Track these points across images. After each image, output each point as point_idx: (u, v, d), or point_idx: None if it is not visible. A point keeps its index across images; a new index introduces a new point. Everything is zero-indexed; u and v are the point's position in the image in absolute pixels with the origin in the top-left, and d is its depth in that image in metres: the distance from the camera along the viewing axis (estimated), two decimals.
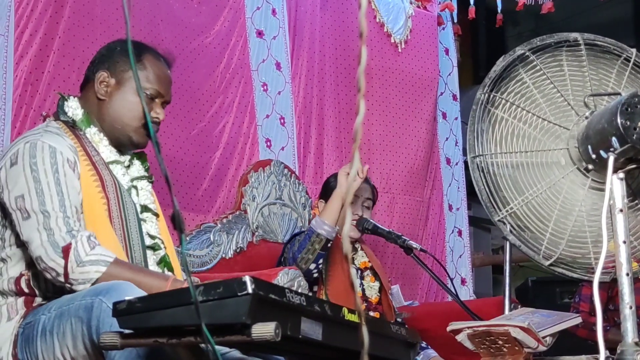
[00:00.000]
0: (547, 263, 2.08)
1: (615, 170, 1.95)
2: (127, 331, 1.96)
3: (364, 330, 0.88)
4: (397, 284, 4.93)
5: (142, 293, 2.18)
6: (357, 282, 3.98)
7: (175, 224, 1.18)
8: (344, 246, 0.93)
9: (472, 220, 5.99)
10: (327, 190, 4.04)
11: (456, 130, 5.74)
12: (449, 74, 5.73)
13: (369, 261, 4.09)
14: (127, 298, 1.94)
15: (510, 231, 2.07)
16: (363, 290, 3.98)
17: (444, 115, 5.67)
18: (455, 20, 5.71)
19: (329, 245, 3.74)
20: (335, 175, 4.07)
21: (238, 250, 4.08)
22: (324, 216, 3.73)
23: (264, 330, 1.87)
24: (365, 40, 0.90)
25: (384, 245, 5.02)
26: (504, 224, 2.08)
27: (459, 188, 5.67)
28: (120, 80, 2.70)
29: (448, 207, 5.57)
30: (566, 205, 2.08)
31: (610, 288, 4.46)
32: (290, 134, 4.73)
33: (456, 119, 5.75)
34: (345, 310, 2.17)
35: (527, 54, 2.12)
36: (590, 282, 4.45)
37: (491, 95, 2.09)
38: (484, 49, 9.89)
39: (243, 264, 4.01)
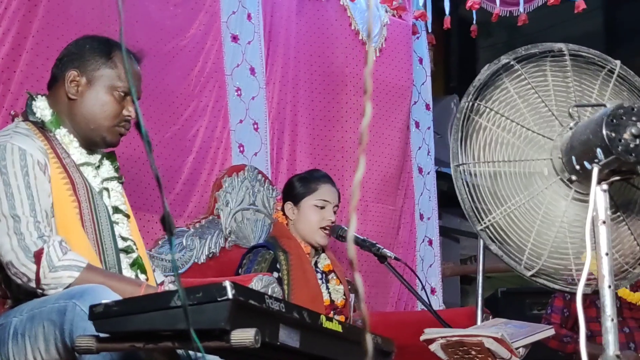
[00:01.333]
0: (528, 274, 2.07)
1: (599, 182, 1.94)
2: (102, 335, 1.93)
3: (369, 339, 0.86)
4: (370, 292, 4.93)
5: (117, 297, 2.15)
6: (323, 288, 3.97)
7: (165, 225, 1.15)
8: (349, 252, 0.91)
9: (441, 230, 5.99)
10: (290, 192, 4.02)
11: (429, 140, 5.74)
12: (423, 83, 5.73)
13: (332, 264, 4.07)
14: (103, 301, 1.91)
15: (492, 241, 2.05)
16: (329, 294, 3.96)
17: (417, 125, 5.67)
18: (430, 30, 5.72)
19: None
20: (299, 177, 4.06)
21: (210, 256, 4.05)
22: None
23: (243, 336, 1.84)
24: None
25: (358, 253, 5.00)
26: (486, 233, 2.06)
27: (430, 197, 5.67)
28: (91, 79, 2.66)
29: (419, 216, 5.57)
30: (548, 216, 2.07)
31: (583, 300, 4.48)
32: (263, 140, 4.70)
33: (429, 128, 5.75)
34: (323, 317, 2.15)
35: (511, 62, 2.12)
36: (562, 294, 4.49)
37: (475, 104, 2.08)
38: (455, 59, 9.94)
39: (215, 269, 3.98)
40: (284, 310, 1.99)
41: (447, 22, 5.31)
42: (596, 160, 1.93)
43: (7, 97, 3.59)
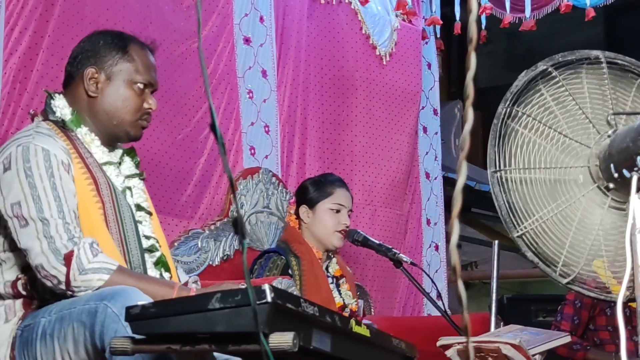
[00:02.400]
0: (564, 281, 2.06)
1: (638, 190, 1.94)
2: (138, 336, 1.92)
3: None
4: (376, 297, 4.93)
5: (147, 299, 2.13)
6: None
7: (237, 229, 1.14)
8: (452, 257, 0.90)
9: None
10: (304, 195, 4.01)
11: (436, 145, 5.75)
12: (431, 89, 5.74)
13: (341, 269, 4.07)
14: (140, 303, 1.90)
15: (528, 248, 2.05)
16: (342, 298, 3.96)
17: (425, 130, 5.68)
18: (439, 35, 5.72)
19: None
20: (313, 181, 4.05)
21: (225, 258, 4.04)
22: None
23: (281, 340, 1.83)
24: (474, 45, 0.87)
25: (365, 258, 5.01)
26: (522, 240, 2.06)
27: (437, 203, 5.68)
28: (110, 75, 2.64)
29: (426, 221, 5.57)
30: (584, 224, 2.07)
31: (592, 308, 4.49)
32: (274, 143, 4.70)
33: (436, 133, 5.76)
34: (353, 322, 2.14)
35: (549, 69, 2.11)
36: (572, 302, 4.50)
37: (512, 110, 2.07)
38: (455, 65, 9.94)
39: (229, 272, 3.97)
40: (317, 314, 1.98)
41: (457, 28, 5.33)
42: (636, 169, 1.93)
43: (24, 96, 3.58)
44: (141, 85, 2.66)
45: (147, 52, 2.72)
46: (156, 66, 2.75)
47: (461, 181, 0.88)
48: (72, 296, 2.33)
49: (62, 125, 2.60)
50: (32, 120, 2.67)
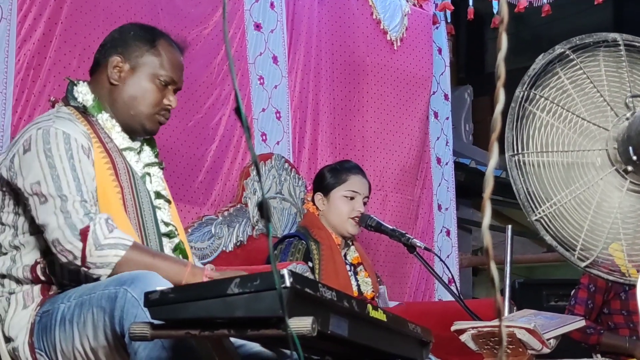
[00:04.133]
0: (583, 265, 2.06)
1: None
2: (157, 322, 1.92)
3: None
4: (387, 282, 4.92)
5: (167, 283, 2.14)
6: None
7: (262, 212, 1.14)
8: (485, 239, 0.90)
9: None
10: (321, 182, 4.02)
11: (447, 130, 5.74)
12: (442, 74, 5.73)
13: (360, 257, 4.07)
14: (159, 288, 1.90)
15: (547, 231, 2.05)
16: (358, 286, 3.96)
17: (436, 115, 5.67)
18: (449, 20, 5.71)
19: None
20: (329, 168, 4.06)
21: (238, 244, 4.04)
22: None
23: (300, 324, 1.83)
24: (505, 26, 0.87)
25: (376, 243, 5.01)
26: (540, 223, 2.06)
27: (448, 188, 5.67)
28: (135, 66, 2.66)
29: (437, 206, 5.56)
30: (602, 207, 2.07)
31: (606, 292, 4.48)
32: (285, 129, 4.69)
33: (447, 118, 5.76)
34: (370, 307, 2.14)
35: (566, 52, 2.11)
36: (586, 286, 4.49)
37: (530, 93, 2.07)
38: (463, 50, 9.93)
39: (243, 258, 3.97)
40: (335, 299, 1.98)
41: (470, 13, 5.30)
42: None
43: (37, 82, 3.59)
44: (163, 81, 2.67)
45: (175, 50, 2.74)
46: (183, 66, 2.76)
47: (493, 163, 0.88)
48: (86, 273, 2.33)
49: (83, 110, 2.62)
50: (53, 106, 2.68)
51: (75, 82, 2.68)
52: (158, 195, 2.66)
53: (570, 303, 4.60)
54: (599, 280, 3.89)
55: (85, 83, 2.68)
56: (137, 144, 2.70)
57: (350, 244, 4.03)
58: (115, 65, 2.65)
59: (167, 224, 2.64)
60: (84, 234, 2.31)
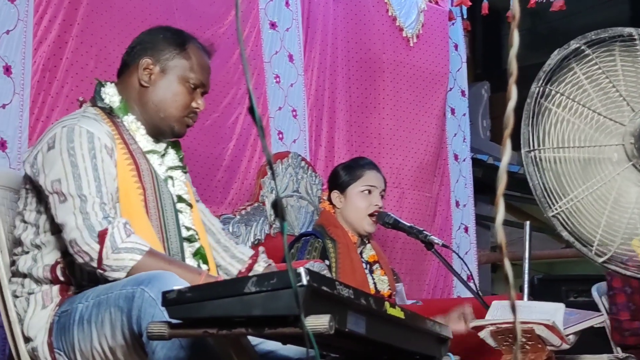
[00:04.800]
0: (600, 260, 2.05)
1: None
2: (174, 321, 1.93)
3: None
4: (404, 280, 4.92)
5: (184, 283, 2.14)
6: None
7: (277, 211, 1.15)
8: (498, 236, 0.90)
9: None
10: (336, 180, 4.02)
11: (464, 127, 5.73)
12: (458, 70, 5.72)
13: (376, 255, 4.07)
14: (176, 287, 1.90)
15: (564, 227, 2.04)
16: (374, 284, 3.96)
17: (453, 111, 5.66)
18: (465, 16, 5.70)
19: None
20: (344, 165, 4.05)
21: (256, 242, 4.04)
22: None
23: (317, 322, 1.83)
24: (516, 22, 0.87)
25: (393, 240, 5.01)
26: (557, 220, 2.05)
27: (466, 185, 5.66)
28: (165, 69, 2.68)
29: (455, 203, 5.56)
30: (619, 202, 2.06)
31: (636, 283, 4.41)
32: (302, 127, 4.70)
33: (464, 115, 5.75)
34: (387, 304, 2.14)
35: (582, 47, 2.10)
36: (622, 290, 4.43)
37: (546, 89, 2.06)
38: (480, 46, 9.90)
39: None
40: (352, 296, 1.98)
41: (484, 8, 5.29)
42: None
43: (54, 84, 3.60)
44: (193, 84, 2.68)
45: (204, 54, 2.75)
46: (210, 69, 2.77)
47: (506, 159, 0.88)
48: (102, 276, 2.34)
49: (109, 111, 2.64)
50: (80, 106, 2.71)
51: (103, 83, 2.70)
52: (180, 199, 2.67)
53: (611, 311, 4.48)
54: (632, 280, 3.87)
55: (113, 84, 2.70)
56: (161, 147, 2.71)
57: (367, 242, 4.03)
58: (145, 67, 2.66)
59: (188, 228, 2.65)
60: (101, 237, 2.32)
